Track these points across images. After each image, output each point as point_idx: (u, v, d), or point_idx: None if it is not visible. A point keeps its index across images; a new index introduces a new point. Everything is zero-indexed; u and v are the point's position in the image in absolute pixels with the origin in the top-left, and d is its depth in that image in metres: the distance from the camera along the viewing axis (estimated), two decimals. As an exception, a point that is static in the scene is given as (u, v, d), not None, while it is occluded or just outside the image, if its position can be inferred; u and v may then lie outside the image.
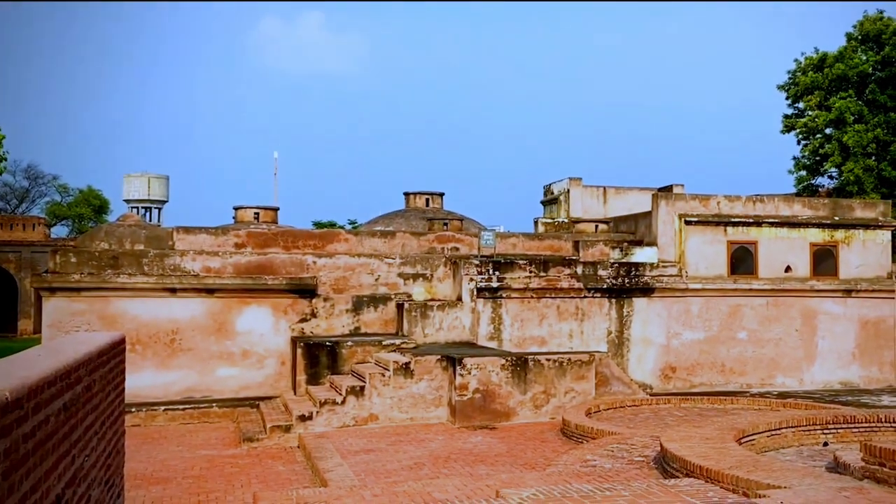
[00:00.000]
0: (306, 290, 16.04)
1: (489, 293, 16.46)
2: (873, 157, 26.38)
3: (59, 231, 54.24)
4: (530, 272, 16.74)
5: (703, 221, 17.99)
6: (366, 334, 16.09)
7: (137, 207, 65.90)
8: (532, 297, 16.74)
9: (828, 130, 27.63)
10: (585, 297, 17.15)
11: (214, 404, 14.99)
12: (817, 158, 28.06)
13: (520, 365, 13.45)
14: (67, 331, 14.38)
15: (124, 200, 67.07)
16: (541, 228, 22.51)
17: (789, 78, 29.03)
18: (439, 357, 13.55)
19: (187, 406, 14.85)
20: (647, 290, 17.62)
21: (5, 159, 21.28)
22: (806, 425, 9.94)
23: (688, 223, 17.98)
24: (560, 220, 23.25)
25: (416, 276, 17.00)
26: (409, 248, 18.23)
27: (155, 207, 67.70)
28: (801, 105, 28.74)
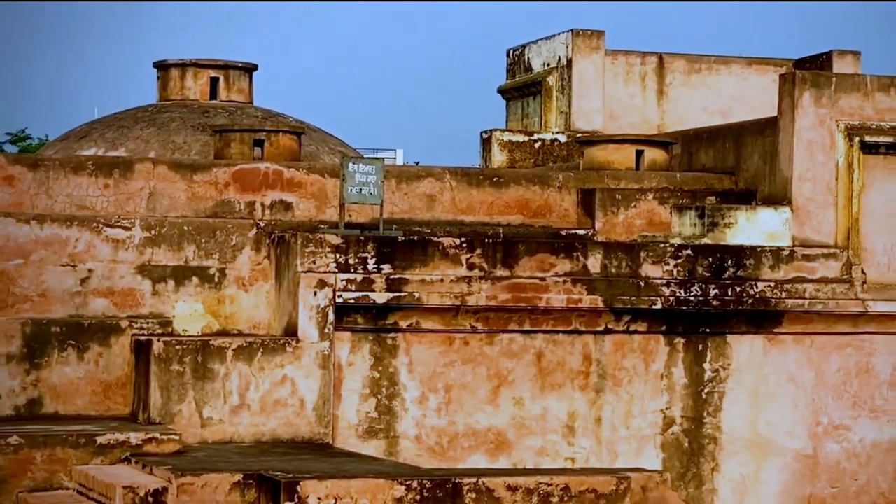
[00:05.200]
0: None
1: (367, 318, 14.06)
2: None
3: None
4: (471, 266, 14.14)
5: (911, 146, 16.15)
6: (57, 417, 13.74)
7: None
8: (474, 331, 14.36)
9: None
10: (610, 331, 14.66)
11: None
12: None
13: (441, 501, 10.94)
14: None
15: None
16: (500, 157, 20.57)
17: None
18: (239, 479, 11.06)
19: None
20: (762, 318, 15.06)
21: None
22: None
23: (868, 149, 15.20)
24: (548, 135, 21.18)
25: (183, 274, 14.44)
26: (167, 204, 15.28)
27: None
28: None
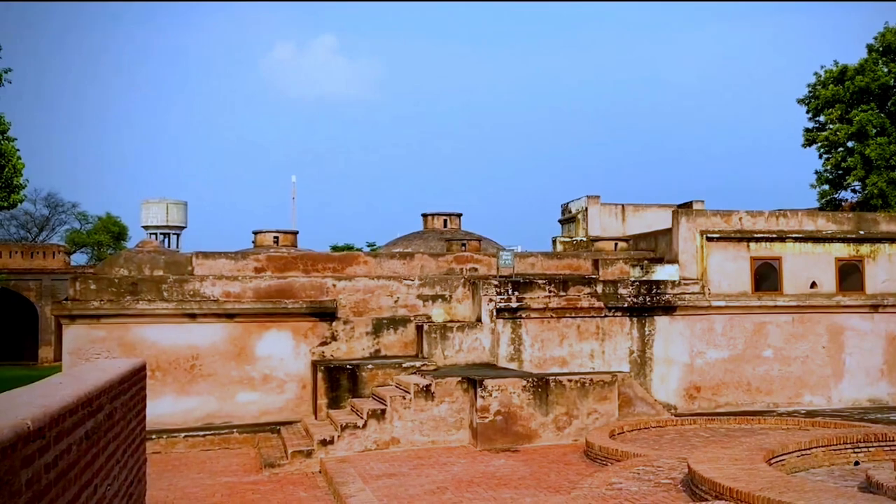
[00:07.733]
0: (326, 314, 16.08)
1: (509, 313, 16.28)
2: (896, 170, 26.08)
3: (79, 258, 54.82)
4: (550, 292, 16.56)
5: (725, 237, 17.77)
6: (386, 357, 15.94)
7: (156, 234, 66.43)
8: (552, 317, 16.59)
9: (850, 144, 27.48)
10: (606, 316, 16.91)
11: (235, 430, 15.13)
12: (840, 172, 27.98)
13: (541, 386, 13.32)
14: (88, 358, 14.43)
15: (143, 227, 67.67)
16: (559, 247, 22.71)
17: (809, 91, 28.99)
18: (460, 379, 13.44)
19: (207, 432, 14.98)
20: (668, 309, 17.37)
21: (25, 187, 21.74)
22: (836, 444, 9.96)
23: (709, 240, 17.78)
24: (579, 238, 23.32)
25: (435, 298, 16.86)
26: (427, 270, 18.23)
27: (174, 233, 68.28)
28: (821, 118, 28.65)
